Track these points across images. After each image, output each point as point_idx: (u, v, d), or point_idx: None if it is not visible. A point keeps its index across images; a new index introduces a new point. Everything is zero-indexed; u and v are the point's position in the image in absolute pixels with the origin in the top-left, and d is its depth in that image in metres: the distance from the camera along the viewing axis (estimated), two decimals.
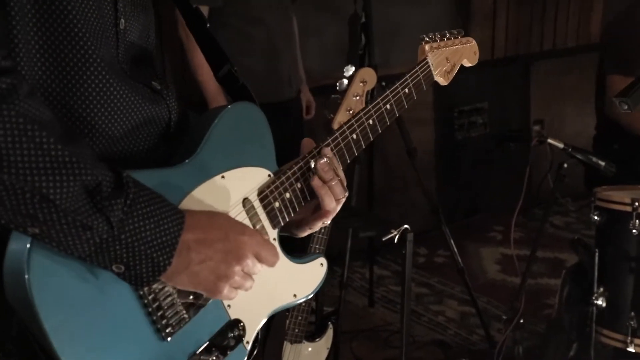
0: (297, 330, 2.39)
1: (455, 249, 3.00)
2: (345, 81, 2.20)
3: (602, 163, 2.44)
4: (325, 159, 1.13)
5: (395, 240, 1.88)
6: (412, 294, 3.55)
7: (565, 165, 2.44)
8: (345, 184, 1.15)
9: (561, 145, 2.45)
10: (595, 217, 2.39)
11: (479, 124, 4.60)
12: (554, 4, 4.87)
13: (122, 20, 0.99)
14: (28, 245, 0.80)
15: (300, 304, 2.37)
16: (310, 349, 2.47)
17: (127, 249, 0.85)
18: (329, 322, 2.56)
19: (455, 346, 3.16)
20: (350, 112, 2.20)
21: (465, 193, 4.63)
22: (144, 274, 0.87)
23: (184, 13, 1.18)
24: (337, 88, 2.22)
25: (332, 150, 1.17)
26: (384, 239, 1.88)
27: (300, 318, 2.38)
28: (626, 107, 1.66)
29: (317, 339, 2.50)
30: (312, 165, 1.13)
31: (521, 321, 2.53)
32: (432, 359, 3.06)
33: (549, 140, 2.46)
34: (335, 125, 2.24)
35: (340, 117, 2.21)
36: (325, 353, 2.53)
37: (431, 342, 3.20)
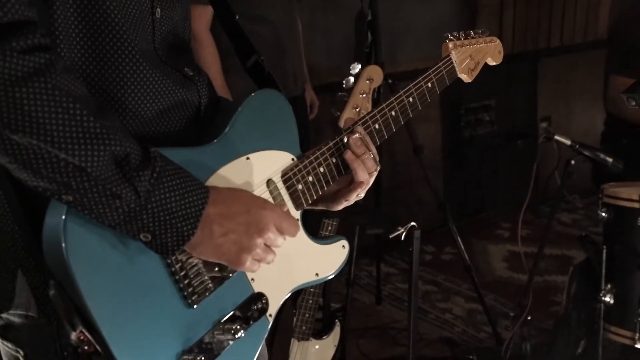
0: (304, 328, 2.39)
1: (463, 246, 3.00)
2: (352, 79, 2.20)
3: (610, 159, 2.43)
4: (357, 135, 1.20)
5: (402, 238, 1.88)
6: (419, 291, 3.55)
7: (573, 162, 2.44)
8: (377, 159, 1.22)
9: (568, 142, 2.45)
10: (603, 214, 2.38)
11: (486, 121, 4.59)
12: (561, 0, 4.85)
13: (158, 10, 1.04)
14: (63, 217, 0.87)
15: (307, 302, 2.37)
16: (317, 347, 2.47)
17: (154, 218, 0.90)
18: (336, 320, 2.56)
19: (463, 343, 3.15)
20: (357, 110, 2.21)
21: (473, 190, 4.63)
22: (169, 243, 0.92)
23: (214, 5, 1.24)
24: (344, 86, 2.22)
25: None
26: (390, 237, 1.88)
27: (307, 315, 2.38)
28: (634, 103, 1.65)
29: (324, 337, 2.51)
30: (345, 141, 1.19)
31: (529, 318, 2.53)
32: (440, 357, 3.06)
33: (556, 137, 2.46)
34: (342, 124, 2.25)
35: (347, 115, 2.22)
36: (332, 350, 2.53)
37: (438, 339, 3.19)
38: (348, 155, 1.19)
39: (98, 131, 0.85)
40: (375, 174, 1.22)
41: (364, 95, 2.20)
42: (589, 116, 4.57)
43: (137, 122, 1.00)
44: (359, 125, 1.23)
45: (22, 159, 0.82)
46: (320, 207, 1.27)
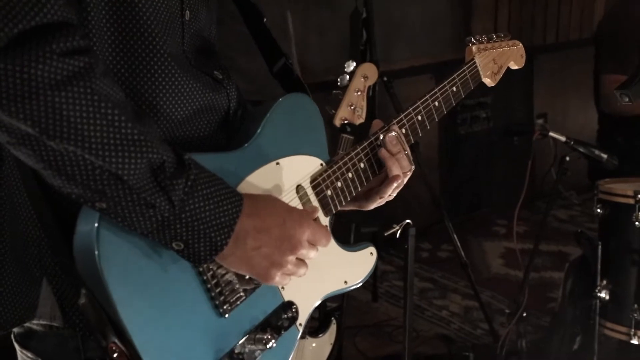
0: None
1: (459, 244, 3.01)
2: (347, 77, 2.20)
3: (604, 156, 2.44)
4: (393, 133, 1.19)
5: (397, 235, 1.88)
6: (415, 288, 3.55)
7: (568, 158, 2.44)
8: (411, 159, 1.21)
9: (563, 139, 2.45)
10: (598, 210, 2.39)
11: (482, 118, 4.59)
12: None
13: (187, 12, 1.03)
14: (96, 224, 0.85)
15: None
16: (314, 345, 2.47)
17: (187, 228, 0.88)
18: (333, 318, 2.56)
19: (459, 340, 3.16)
20: (352, 107, 2.21)
21: (469, 187, 4.63)
22: (202, 253, 0.91)
23: (240, 8, 1.24)
24: (339, 84, 2.22)
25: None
26: (386, 234, 1.88)
27: None
28: (627, 100, 1.66)
29: (321, 335, 2.50)
30: (381, 138, 1.18)
31: (524, 315, 2.53)
32: (436, 354, 3.06)
33: (551, 134, 2.46)
34: (337, 122, 2.25)
35: (342, 113, 2.22)
36: (328, 348, 2.53)
37: (435, 336, 3.20)
38: (383, 153, 1.18)
39: (136, 138, 0.82)
40: (409, 173, 1.21)
41: (359, 93, 2.20)
42: (585, 112, 4.57)
43: (167, 125, 0.99)
44: (394, 124, 1.22)
45: (57, 166, 0.80)
46: (350, 208, 1.25)
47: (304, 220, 1.01)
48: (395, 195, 1.23)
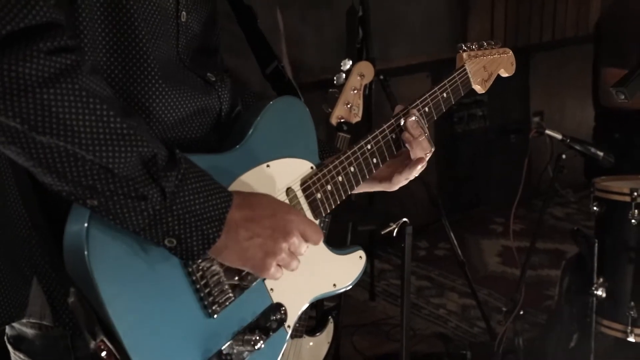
0: (297, 325, 2.39)
1: (456, 242, 3.01)
2: (343, 75, 2.21)
3: (601, 153, 2.44)
4: (414, 117, 1.24)
5: (394, 234, 1.88)
6: (413, 287, 3.55)
7: (564, 156, 2.44)
8: (431, 141, 1.26)
9: (559, 136, 2.45)
10: (595, 208, 2.39)
11: (478, 116, 4.59)
12: None
13: (184, 13, 1.04)
14: (86, 224, 0.86)
15: None
16: (311, 344, 2.47)
17: (179, 221, 0.89)
18: (330, 317, 2.56)
19: (456, 338, 3.16)
20: (349, 106, 2.21)
21: (466, 186, 4.63)
22: (195, 247, 0.91)
23: (234, 9, 1.24)
24: (335, 82, 2.22)
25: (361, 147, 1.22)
26: (382, 233, 1.88)
27: None
28: (623, 97, 1.66)
29: (318, 334, 2.50)
30: (402, 123, 1.24)
31: (521, 312, 2.53)
32: (433, 352, 3.07)
33: (547, 132, 2.46)
34: (334, 120, 2.25)
35: (338, 111, 2.22)
36: (326, 347, 2.53)
37: (432, 334, 3.20)
38: (405, 136, 1.23)
39: (125, 132, 0.84)
40: (429, 154, 1.26)
41: (356, 91, 2.21)
42: (582, 110, 4.58)
43: (159, 127, 1.00)
44: (413, 108, 1.26)
45: (47, 162, 0.81)
46: (377, 189, 1.30)
47: (293, 211, 1.04)
48: (417, 175, 1.29)
